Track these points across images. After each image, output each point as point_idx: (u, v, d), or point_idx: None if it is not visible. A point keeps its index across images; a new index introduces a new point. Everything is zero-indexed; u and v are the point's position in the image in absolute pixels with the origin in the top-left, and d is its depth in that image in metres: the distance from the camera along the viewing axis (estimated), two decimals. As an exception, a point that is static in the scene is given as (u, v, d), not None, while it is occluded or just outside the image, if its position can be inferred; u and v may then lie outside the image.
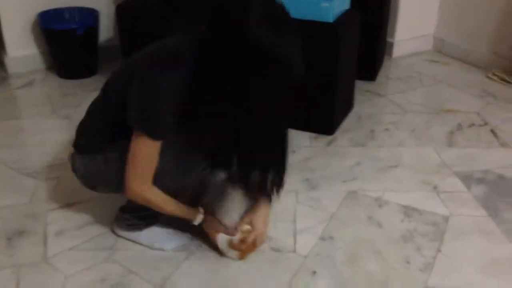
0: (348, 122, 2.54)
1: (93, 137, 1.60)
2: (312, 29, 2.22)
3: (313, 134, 2.41)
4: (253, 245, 1.62)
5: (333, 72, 2.30)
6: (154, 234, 1.71)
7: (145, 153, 1.41)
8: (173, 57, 1.39)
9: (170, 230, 1.72)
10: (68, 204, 1.92)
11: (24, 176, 2.09)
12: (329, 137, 2.40)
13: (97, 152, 1.56)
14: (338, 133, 2.44)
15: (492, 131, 2.45)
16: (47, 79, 3.00)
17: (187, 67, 1.37)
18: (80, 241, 1.73)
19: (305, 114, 2.38)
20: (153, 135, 1.39)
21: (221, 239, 1.66)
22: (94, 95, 2.67)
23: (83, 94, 2.81)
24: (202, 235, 1.72)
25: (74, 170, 1.64)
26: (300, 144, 2.33)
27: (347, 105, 2.60)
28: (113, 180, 1.55)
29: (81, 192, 1.90)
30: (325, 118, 2.41)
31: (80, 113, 2.52)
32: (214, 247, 1.69)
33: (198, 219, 1.60)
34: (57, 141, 2.35)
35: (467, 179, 2.07)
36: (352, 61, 2.52)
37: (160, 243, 1.70)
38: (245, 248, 1.62)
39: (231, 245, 1.65)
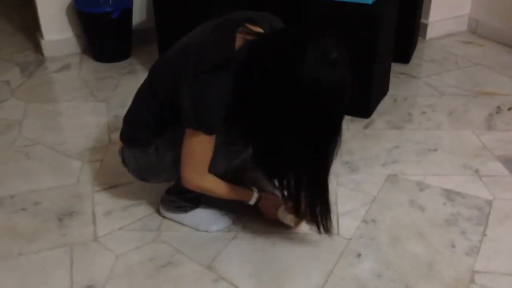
0: (384, 105, 2.53)
1: (142, 129, 1.62)
2: (351, 11, 2.21)
3: (349, 117, 2.41)
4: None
5: (371, 55, 2.29)
6: (199, 216, 1.74)
7: (202, 148, 1.45)
8: (224, 60, 1.39)
9: (215, 212, 1.75)
10: (113, 186, 1.96)
11: (69, 158, 2.13)
12: (365, 120, 2.39)
13: (148, 145, 1.59)
14: (374, 116, 2.43)
15: (532, 114, 2.42)
16: (83, 63, 3.03)
17: (236, 69, 1.37)
18: (128, 222, 1.77)
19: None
20: (209, 132, 1.42)
21: (281, 210, 1.67)
22: (129, 78, 2.72)
23: (119, 78, 2.84)
24: (247, 216, 1.75)
25: (125, 163, 1.68)
26: (337, 127, 2.33)
27: (383, 88, 2.58)
28: (166, 172, 1.59)
29: (124, 175, 1.93)
30: (362, 101, 2.40)
31: (117, 96, 2.58)
32: (260, 229, 1.72)
33: (254, 198, 1.63)
34: (97, 124, 2.39)
35: (509, 163, 2.06)
36: (389, 43, 2.50)
37: (205, 225, 1.73)
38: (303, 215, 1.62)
39: (290, 212, 1.65)
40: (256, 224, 1.75)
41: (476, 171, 2.02)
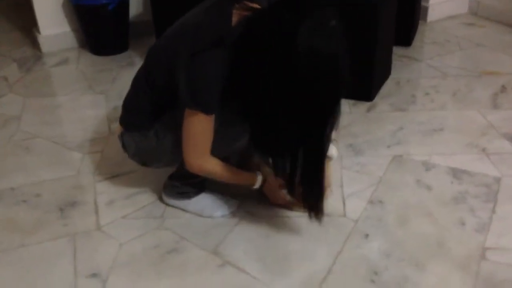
0: (387, 88, 2.49)
1: (141, 115, 1.59)
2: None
3: (351, 101, 2.38)
4: None
5: (372, 38, 2.25)
6: (203, 202, 1.71)
7: (202, 128, 1.42)
8: (220, 36, 1.35)
9: (218, 197, 1.72)
10: (114, 175, 1.93)
11: (69, 150, 2.11)
12: (368, 103, 2.36)
13: (147, 129, 1.56)
14: (377, 99, 2.40)
15: (537, 92, 2.39)
16: (81, 57, 3.00)
17: (232, 45, 1.34)
18: (131, 210, 1.75)
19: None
20: (208, 111, 1.38)
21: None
22: (128, 70, 2.69)
23: (117, 70, 2.81)
24: (251, 201, 1.73)
25: (125, 148, 1.65)
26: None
27: (385, 71, 2.55)
28: (166, 156, 1.56)
29: (125, 164, 1.93)
30: (364, 84, 2.37)
31: (116, 89, 2.54)
32: (264, 213, 1.69)
33: (258, 182, 1.60)
34: (96, 116, 2.36)
35: (516, 140, 2.03)
36: (390, 25, 2.46)
37: (208, 210, 1.70)
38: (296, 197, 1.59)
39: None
40: (260, 209, 1.72)
41: (483, 149, 1.98)
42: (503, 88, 2.44)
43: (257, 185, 1.61)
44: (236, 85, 1.36)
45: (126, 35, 3.05)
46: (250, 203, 1.74)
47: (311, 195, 1.47)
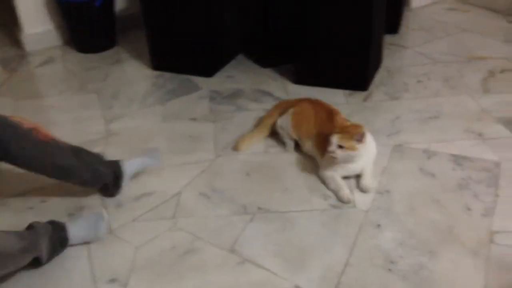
0: (379, 76, 2.53)
1: None
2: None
3: (347, 91, 2.41)
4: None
5: (368, 26, 2.27)
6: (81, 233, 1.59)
7: None
8: None
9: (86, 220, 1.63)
10: (119, 177, 1.91)
11: (69, 152, 2.07)
12: (364, 93, 2.39)
13: None
14: (372, 88, 2.43)
15: (525, 75, 2.45)
16: (66, 55, 2.95)
17: None
18: (141, 212, 1.74)
19: (339, 71, 2.38)
20: None
21: None
22: (117, 67, 2.66)
23: (107, 68, 2.78)
24: (261, 198, 1.74)
25: None
26: (337, 101, 2.32)
27: (378, 60, 2.58)
28: None
29: None
30: (359, 74, 2.40)
31: (108, 87, 2.51)
32: (275, 209, 1.71)
33: None
34: (92, 116, 2.33)
35: (510, 124, 2.09)
36: (382, 14, 2.49)
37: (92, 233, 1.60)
38: None
39: None
40: (271, 204, 1.74)
41: (480, 134, 2.04)
42: (491, 73, 2.50)
43: None
44: None
45: (113, 31, 3.01)
46: (260, 200, 1.76)
47: None
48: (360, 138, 1.70)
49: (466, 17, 3.13)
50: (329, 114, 1.94)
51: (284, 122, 2.00)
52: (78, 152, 1.70)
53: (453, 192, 1.75)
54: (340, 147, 1.70)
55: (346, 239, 1.59)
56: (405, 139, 2.04)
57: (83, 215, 1.70)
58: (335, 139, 1.71)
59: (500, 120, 2.12)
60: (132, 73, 2.73)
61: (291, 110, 2.01)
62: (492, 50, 2.72)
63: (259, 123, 2.16)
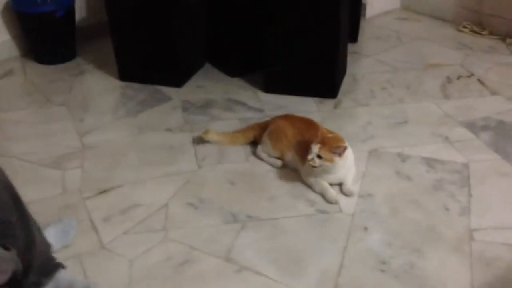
0: (346, 84, 2.63)
1: None
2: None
3: (317, 99, 2.48)
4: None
5: (335, 34, 2.36)
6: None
7: None
8: None
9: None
10: (102, 191, 1.90)
11: (45, 167, 2.03)
12: (333, 100, 2.48)
13: None
14: (340, 95, 2.52)
15: (479, 80, 2.62)
16: (26, 67, 2.86)
17: None
18: (131, 225, 1.73)
19: (308, 79, 2.45)
20: None
21: None
22: (81, 79, 2.62)
23: (71, 79, 2.72)
24: (250, 206, 1.78)
25: None
26: (308, 109, 2.40)
27: (344, 68, 2.68)
28: None
29: (110, 179, 1.92)
30: (329, 82, 2.49)
31: (75, 99, 2.48)
32: (264, 216, 1.75)
33: None
34: (63, 130, 2.29)
35: (472, 127, 2.23)
36: (346, 23, 2.59)
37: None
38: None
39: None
40: (259, 212, 1.78)
41: (446, 138, 2.17)
42: (449, 79, 2.65)
43: None
44: None
45: (74, 42, 2.95)
46: (248, 207, 1.79)
47: None
48: (340, 152, 1.77)
49: (417, 26, 3.30)
50: (308, 123, 2.01)
51: (264, 146, 2.04)
52: None
53: (430, 193, 1.86)
54: (319, 157, 1.77)
55: (337, 242, 1.65)
56: (379, 144, 2.14)
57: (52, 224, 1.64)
58: (315, 149, 1.77)
59: (462, 124, 2.26)
60: (98, 85, 2.68)
61: (266, 132, 2.05)
62: (445, 57, 2.88)
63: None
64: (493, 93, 2.51)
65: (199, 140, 2.12)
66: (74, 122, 2.35)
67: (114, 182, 1.93)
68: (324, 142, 1.78)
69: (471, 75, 2.68)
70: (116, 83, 2.68)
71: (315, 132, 1.90)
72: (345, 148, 1.77)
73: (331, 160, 1.76)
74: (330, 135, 1.83)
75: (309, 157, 1.78)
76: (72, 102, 2.51)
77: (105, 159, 2.08)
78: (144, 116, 2.39)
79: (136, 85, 2.65)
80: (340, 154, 1.77)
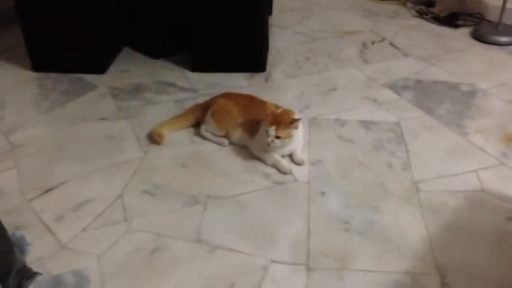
0: (271, 57, 2.67)
1: None
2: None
3: (247, 74, 2.51)
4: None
5: (259, 8, 2.39)
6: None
7: None
8: None
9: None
10: (46, 190, 1.79)
11: (-25, 172, 1.86)
12: (263, 74, 2.51)
13: None
14: (268, 68, 2.56)
15: (391, 44, 2.80)
16: None
17: None
18: (88, 221, 1.66)
19: (236, 55, 2.46)
20: None
21: None
22: None
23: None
24: (208, 186, 1.78)
25: None
26: (239, 85, 2.42)
27: (267, 41, 2.71)
28: None
29: (51, 176, 1.83)
30: (256, 56, 2.52)
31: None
32: (224, 194, 1.76)
33: None
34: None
35: (395, 88, 2.39)
36: (266, -2, 2.62)
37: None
38: None
39: None
40: (219, 191, 1.78)
41: (375, 100, 2.30)
42: (364, 45, 2.80)
43: None
44: None
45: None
46: (206, 187, 1.79)
47: None
48: (297, 126, 1.82)
49: (325, -4, 3.43)
50: (250, 99, 2.03)
51: (208, 126, 2.03)
52: None
53: (372, 153, 1.97)
54: (277, 137, 1.80)
55: (299, 210, 1.71)
56: (316, 112, 2.22)
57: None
58: (272, 131, 1.80)
59: (386, 86, 2.41)
60: (10, 77, 2.49)
61: (209, 112, 2.04)
62: (357, 24, 3.03)
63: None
64: (405, 54, 2.69)
65: (154, 142, 2.02)
66: (-3, 121, 2.17)
67: (58, 179, 1.83)
68: (277, 121, 1.81)
69: (383, 39, 2.85)
70: (30, 74, 2.51)
71: (259, 106, 1.93)
72: (298, 120, 1.82)
73: (290, 136, 1.81)
74: (279, 111, 1.87)
75: (268, 139, 1.80)
76: (-14, 99, 2.31)
77: (40, 156, 1.95)
78: (72, 106, 2.27)
79: (53, 75, 2.50)
80: (296, 127, 1.81)
